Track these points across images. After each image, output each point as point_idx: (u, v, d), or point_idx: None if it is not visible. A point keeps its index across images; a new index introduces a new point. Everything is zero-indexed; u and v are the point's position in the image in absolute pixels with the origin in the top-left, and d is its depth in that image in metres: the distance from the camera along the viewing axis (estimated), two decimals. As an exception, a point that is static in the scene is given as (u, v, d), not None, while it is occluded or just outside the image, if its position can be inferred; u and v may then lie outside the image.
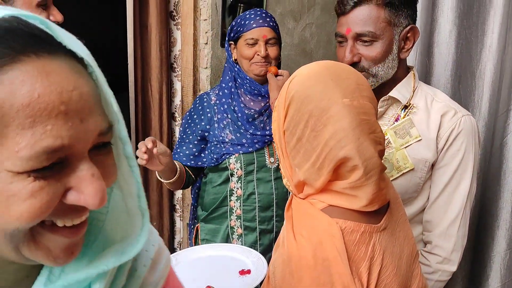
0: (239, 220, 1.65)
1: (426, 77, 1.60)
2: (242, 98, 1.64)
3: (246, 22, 1.58)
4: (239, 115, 1.62)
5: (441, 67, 1.56)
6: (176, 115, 2.20)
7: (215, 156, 1.62)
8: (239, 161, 1.60)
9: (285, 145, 0.83)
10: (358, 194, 0.79)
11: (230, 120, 1.62)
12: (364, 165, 0.77)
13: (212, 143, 1.63)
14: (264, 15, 1.59)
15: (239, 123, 1.61)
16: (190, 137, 1.65)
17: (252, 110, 1.62)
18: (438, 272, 1.18)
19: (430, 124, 1.16)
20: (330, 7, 2.67)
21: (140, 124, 2.11)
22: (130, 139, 2.01)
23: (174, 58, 2.14)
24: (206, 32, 2.02)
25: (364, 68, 1.16)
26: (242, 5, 2.15)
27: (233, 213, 1.66)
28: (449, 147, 1.15)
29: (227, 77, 1.66)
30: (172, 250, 2.32)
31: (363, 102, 0.80)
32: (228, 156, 1.61)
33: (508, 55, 1.46)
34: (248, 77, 1.60)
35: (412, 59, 1.62)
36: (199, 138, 1.64)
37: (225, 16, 2.06)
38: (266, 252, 1.65)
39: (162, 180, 1.56)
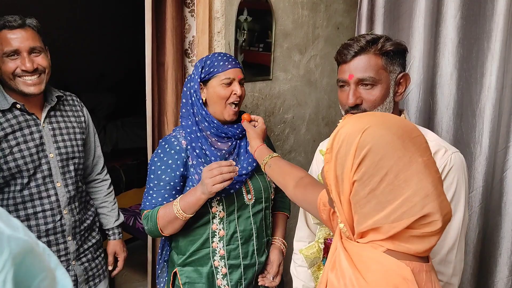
0: (223, 260, 1.63)
1: (430, 115, 1.72)
2: (209, 140, 1.63)
3: (221, 63, 1.60)
4: (212, 158, 1.60)
5: (443, 106, 1.68)
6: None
7: None
8: (221, 203, 1.58)
9: (350, 193, 0.86)
10: (423, 242, 0.83)
11: (205, 161, 1.59)
12: (442, 221, 0.82)
13: (187, 189, 1.58)
14: (232, 57, 1.64)
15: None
16: (171, 183, 1.58)
17: (223, 151, 1.62)
18: None
19: None
20: (332, 38, 2.80)
21: (157, 156, 2.22)
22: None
23: (189, 93, 2.26)
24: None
25: (365, 110, 1.28)
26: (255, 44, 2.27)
27: (216, 253, 1.62)
28: (443, 181, 1.25)
29: (189, 122, 1.64)
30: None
31: (432, 160, 0.87)
32: (210, 201, 1.56)
33: (506, 96, 1.58)
34: (215, 121, 1.61)
35: (416, 98, 1.74)
36: (176, 185, 1.59)
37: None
38: (249, 284, 1.67)
39: (184, 215, 1.48)
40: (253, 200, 1.63)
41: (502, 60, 1.56)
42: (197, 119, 1.63)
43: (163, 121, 2.20)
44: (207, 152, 1.60)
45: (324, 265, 1.44)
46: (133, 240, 3.46)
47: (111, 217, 1.96)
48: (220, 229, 1.61)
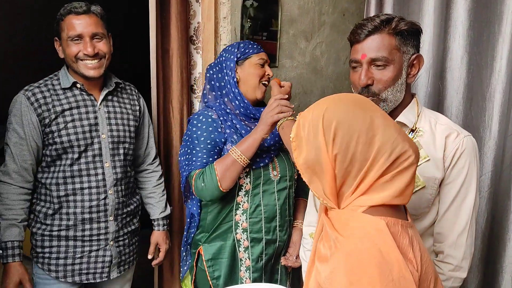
0: (245, 233, 1.70)
1: (439, 100, 1.70)
2: (239, 118, 1.73)
3: (255, 46, 1.75)
4: (243, 131, 1.69)
5: (453, 91, 1.66)
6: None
7: None
8: (249, 176, 1.66)
9: (335, 167, 0.94)
10: (395, 184, 0.93)
11: (238, 137, 1.68)
12: (415, 156, 0.94)
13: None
14: (260, 46, 1.79)
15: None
16: (212, 144, 1.66)
17: (250, 129, 1.70)
18: (450, 279, 1.28)
19: (436, 145, 1.26)
20: (338, 25, 2.77)
21: (162, 144, 2.21)
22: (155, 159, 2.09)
23: (194, 80, 2.24)
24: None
25: (375, 93, 1.27)
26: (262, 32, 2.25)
27: (239, 226, 1.70)
28: (454, 165, 1.25)
29: (217, 101, 1.74)
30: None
31: (386, 114, 0.99)
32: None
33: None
34: (245, 100, 1.70)
35: (425, 82, 1.73)
36: (219, 149, 1.67)
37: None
38: (269, 260, 1.74)
39: (244, 158, 1.58)
40: (278, 177, 1.71)
41: (513, 43, 1.54)
42: (226, 99, 1.72)
43: (169, 109, 2.19)
44: (237, 125, 1.71)
45: None
46: (142, 228, 3.45)
47: (157, 207, 1.99)
48: (244, 202, 1.68)
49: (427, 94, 1.74)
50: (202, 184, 1.60)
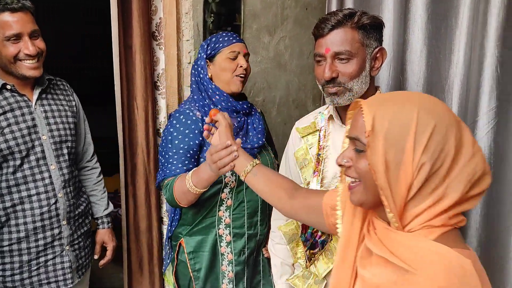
0: (228, 228, 1.72)
1: (401, 90, 1.74)
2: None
3: (226, 39, 1.69)
4: None
5: (413, 83, 1.70)
6: (161, 131, 2.26)
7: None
8: (234, 174, 1.67)
9: (414, 176, 0.80)
10: (470, 202, 0.83)
11: None
12: (490, 177, 0.84)
13: (203, 159, 1.65)
14: (236, 34, 1.74)
15: None
16: (187, 151, 1.63)
17: (234, 126, 1.68)
18: None
19: None
20: (301, 19, 2.79)
21: (128, 141, 2.16)
22: (119, 155, 2.06)
23: (158, 77, 2.20)
24: (189, 52, 2.09)
25: (341, 83, 1.29)
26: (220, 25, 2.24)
27: (222, 222, 1.72)
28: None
29: (200, 96, 1.71)
30: (162, 262, 2.38)
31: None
32: None
33: (473, 71, 1.62)
34: (225, 94, 1.68)
35: (386, 76, 1.76)
36: (194, 153, 1.64)
37: (206, 37, 2.14)
38: (251, 253, 1.77)
39: (196, 189, 1.49)
40: None
41: (469, 36, 1.59)
42: (209, 93, 1.70)
43: (133, 106, 2.15)
44: None
45: (303, 242, 1.45)
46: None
47: (100, 205, 1.95)
48: (228, 198, 1.70)
49: (388, 87, 1.77)
50: (165, 197, 1.63)
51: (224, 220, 1.72)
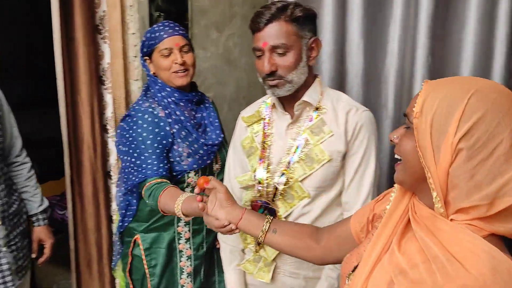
0: (187, 226, 1.70)
1: (342, 82, 1.81)
2: (179, 106, 1.66)
3: (157, 34, 1.61)
4: (188, 124, 1.65)
5: (353, 74, 1.77)
6: (108, 127, 2.23)
7: (174, 174, 1.62)
8: (197, 174, 1.65)
9: (451, 162, 0.76)
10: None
11: (186, 132, 1.64)
12: None
13: (169, 160, 1.61)
14: (172, 24, 1.64)
15: (193, 135, 1.65)
16: (163, 148, 1.58)
17: (193, 122, 1.67)
18: None
19: (338, 121, 1.36)
20: (250, 17, 2.83)
21: (73, 138, 2.12)
22: (63, 153, 2.00)
23: (103, 71, 2.17)
24: (135, 45, 2.08)
25: (281, 76, 1.32)
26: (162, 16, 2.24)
27: (181, 220, 1.69)
28: (356, 138, 1.35)
29: (157, 88, 1.67)
30: (111, 261, 2.33)
31: None
32: (188, 172, 1.63)
33: (407, 61, 1.71)
34: (172, 88, 1.64)
35: (328, 67, 1.82)
36: (167, 152, 1.59)
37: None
38: (209, 247, 1.78)
39: (182, 216, 1.39)
40: (219, 170, 1.73)
41: (403, 28, 1.68)
42: (158, 88, 1.65)
43: (77, 101, 2.10)
44: (181, 117, 1.64)
45: None
46: (55, 234, 3.29)
47: (34, 202, 1.86)
48: None
49: (330, 79, 1.84)
50: (148, 201, 1.54)
51: (184, 218, 1.71)
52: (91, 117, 2.12)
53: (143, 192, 1.56)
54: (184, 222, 1.70)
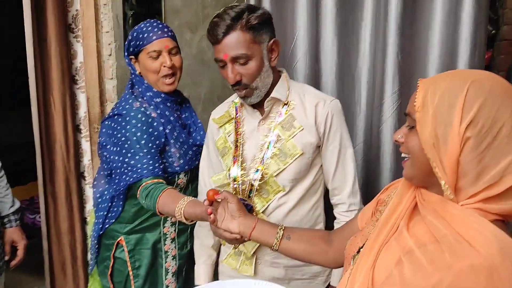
0: (173, 226, 1.70)
1: (316, 81, 1.86)
2: (167, 108, 1.65)
3: (145, 35, 1.57)
4: (177, 124, 1.65)
5: (328, 71, 1.83)
6: (82, 127, 2.20)
7: (165, 175, 1.58)
8: (187, 175, 1.66)
9: (461, 150, 0.79)
10: None
11: (176, 134, 1.63)
12: None
13: (163, 160, 1.60)
14: (161, 25, 1.61)
15: (183, 135, 1.65)
16: (158, 146, 1.57)
17: (180, 122, 1.67)
18: None
19: (307, 114, 1.41)
20: (222, 18, 2.86)
21: (45, 138, 2.08)
22: (35, 153, 1.96)
23: (76, 71, 2.15)
24: (109, 44, 2.07)
25: (246, 84, 1.36)
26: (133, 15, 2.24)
27: (168, 220, 1.68)
28: (329, 129, 1.41)
29: (143, 87, 1.63)
30: (86, 263, 2.30)
31: None
32: (178, 173, 1.63)
33: (378, 59, 1.79)
34: (155, 90, 1.62)
35: (303, 66, 1.87)
36: (159, 150, 1.58)
37: (127, 28, 2.13)
38: (192, 246, 1.74)
39: (184, 219, 1.38)
40: None
41: (373, 28, 1.75)
42: (143, 88, 1.63)
43: (49, 101, 2.08)
44: (171, 118, 1.63)
45: None
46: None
47: (5, 203, 1.83)
48: None
49: (305, 77, 1.89)
50: (144, 202, 1.50)
51: (171, 219, 1.68)
52: (64, 117, 2.09)
53: (138, 193, 1.51)
54: (171, 223, 1.69)
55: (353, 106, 1.85)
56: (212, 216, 1.21)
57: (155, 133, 1.57)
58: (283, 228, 1.20)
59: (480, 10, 1.56)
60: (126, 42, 1.64)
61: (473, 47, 1.58)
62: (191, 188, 1.72)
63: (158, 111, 1.61)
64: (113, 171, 1.60)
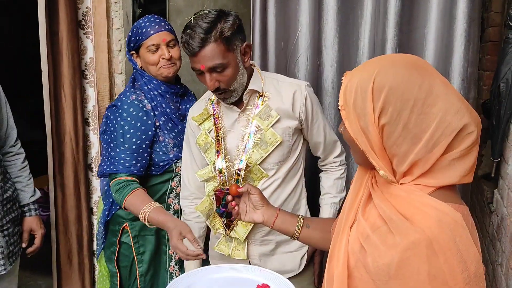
0: (176, 214, 1.76)
1: (318, 75, 1.97)
2: (165, 98, 1.72)
3: (144, 30, 1.66)
4: (173, 116, 1.72)
5: (329, 66, 1.94)
6: (90, 120, 2.27)
7: (161, 164, 1.68)
8: None
9: (382, 138, 0.85)
10: (465, 162, 0.84)
11: (171, 124, 1.70)
12: (477, 131, 0.84)
13: (156, 151, 1.69)
14: (158, 20, 1.69)
15: (179, 126, 1.72)
16: (139, 146, 1.64)
17: (178, 113, 1.74)
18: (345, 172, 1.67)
19: (284, 100, 1.50)
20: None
21: (55, 130, 2.15)
22: (47, 144, 2.03)
23: (85, 66, 2.22)
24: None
25: (225, 89, 1.43)
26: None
27: (171, 208, 1.76)
28: (311, 110, 1.52)
29: (143, 81, 1.72)
30: (92, 253, 2.36)
31: (447, 80, 0.88)
32: (175, 161, 1.70)
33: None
34: (158, 81, 1.70)
35: (304, 60, 1.98)
36: (146, 147, 1.65)
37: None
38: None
39: (147, 223, 1.54)
40: None
41: (372, 25, 1.86)
42: (144, 81, 1.71)
43: (60, 94, 2.14)
44: (167, 110, 1.70)
45: (218, 214, 1.57)
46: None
47: (26, 192, 1.89)
48: (178, 186, 1.72)
49: (307, 71, 1.99)
50: (114, 194, 1.63)
51: (173, 207, 1.76)
52: (74, 110, 2.16)
53: (110, 184, 1.64)
54: (173, 211, 1.76)
55: (353, 99, 1.95)
56: (236, 209, 1.27)
57: (143, 127, 1.64)
58: (303, 217, 1.26)
59: (473, 8, 1.68)
60: (127, 39, 1.73)
61: (467, 42, 1.70)
62: None
63: (154, 103, 1.69)
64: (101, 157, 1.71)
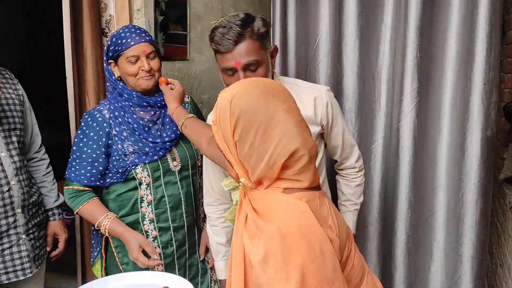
0: (152, 224, 1.71)
1: (338, 79, 1.99)
2: (132, 109, 1.69)
3: (124, 41, 1.61)
4: (135, 125, 1.67)
5: (349, 70, 1.96)
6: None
7: (120, 170, 1.66)
8: (145, 169, 1.66)
9: (237, 152, 1.04)
10: (303, 178, 1.03)
11: (129, 132, 1.67)
12: (309, 154, 1.03)
13: (115, 158, 1.67)
14: (138, 31, 1.64)
15: (138, 133, 1.67)
16: (93, 155, 1.65)
17: (145, 120, 1.68)
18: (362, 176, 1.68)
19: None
20: (240, 24, 2.99)
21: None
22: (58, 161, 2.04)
23: (109, 72, 2.26)
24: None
25: None
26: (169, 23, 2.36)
27: (146, 218, 1.70)
28: (332, 115, 1.54)
29: (114, 94, 1.70)
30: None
31: (293, 105, 1.06)
32: (133, 167, 1.65)
33: (397, 59, 1.91)
34: (134, 93, 1.66)
35: (325, 65, 2.00)
36: (103, 155, 1.65)
37: (157, 33, 2.26)
38: (182, 245, 1.78)
39: (106, 232, 1.64)
40: (179, 167, 1.72)
41: (393, 29, 1.88)
42: (117, 91, 1.69)
43: (85, 101, 2.18)
44: (129, 120, 1.67)
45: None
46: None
47: (50, 197, 1.92)
48: (148, 194, 1.68)
49: (327, 76, 2.01)
50: (67, 200, 1.70)
51: (148, 216, 1.71)
52: (98, 116, 2.20)
53: (64, 190, 1.70)
54: (149, 220, 1.72)
55: (373, 104, 1.97)
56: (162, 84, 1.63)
57: (95, 137, 1.65)
58: (187, 118, 1.50)
59: (495, 12, 1.69)
60: (105, 47, 1.69)
61: (489, 46, 1.70)
62: (163, 184, 1.71)
63: (116, 113, 1.67)
64: None
